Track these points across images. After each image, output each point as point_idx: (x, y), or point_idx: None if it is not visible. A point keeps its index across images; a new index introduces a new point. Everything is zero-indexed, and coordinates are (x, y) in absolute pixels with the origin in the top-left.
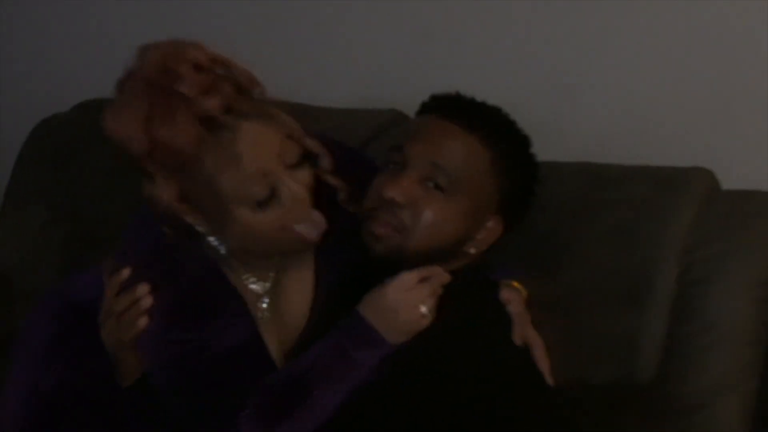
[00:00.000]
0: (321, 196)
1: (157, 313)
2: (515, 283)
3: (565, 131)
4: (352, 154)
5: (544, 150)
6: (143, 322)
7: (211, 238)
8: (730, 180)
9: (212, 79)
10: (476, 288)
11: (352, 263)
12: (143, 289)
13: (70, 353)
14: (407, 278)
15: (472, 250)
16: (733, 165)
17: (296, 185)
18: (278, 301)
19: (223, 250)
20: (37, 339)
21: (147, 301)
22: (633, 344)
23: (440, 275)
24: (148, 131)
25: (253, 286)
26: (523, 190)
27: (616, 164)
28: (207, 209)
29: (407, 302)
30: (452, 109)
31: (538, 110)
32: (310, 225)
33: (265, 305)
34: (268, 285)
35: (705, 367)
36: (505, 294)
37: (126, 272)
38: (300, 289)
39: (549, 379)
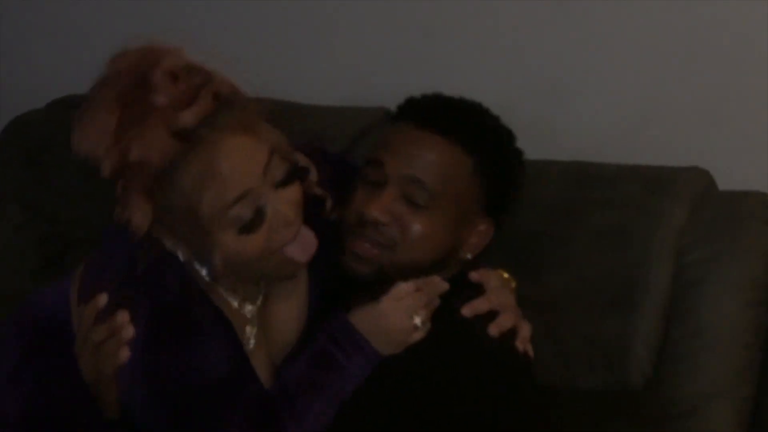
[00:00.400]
0: (306, 207)
1: (137, 341)
2: (504, 273)
3: (559, 130)
4: (337, 162)
5: (535, 149)
6: (125, 353)
7: (195, 263)
8: (727, 180)
9: (189, 88)
10: (468, 294)
11: (339, 275)
12: (123, 317)
13: (36, 376)
14: (403, 288)
15: (468, 256)
16: (731, 165)
17: (285, 205)
18: (269, 321)
19: (206, 274)
20: (2, 362)
21: (128, 331)
22: (624, 348)
23: (437, 285)
24: (118, 146)
25: (240, 309)
26: (510, 187)
27: (607, 163)
28: (186, 233)
29: (400, 312)
30: (429, 116)
31: (530, 108)
32: (300, 246)
33: (254, 328)
34: (256, 306)
35: (698, 372)
36: (474, 276)
37: (103, 299)
38: (291, 305)
39: (521, 343)
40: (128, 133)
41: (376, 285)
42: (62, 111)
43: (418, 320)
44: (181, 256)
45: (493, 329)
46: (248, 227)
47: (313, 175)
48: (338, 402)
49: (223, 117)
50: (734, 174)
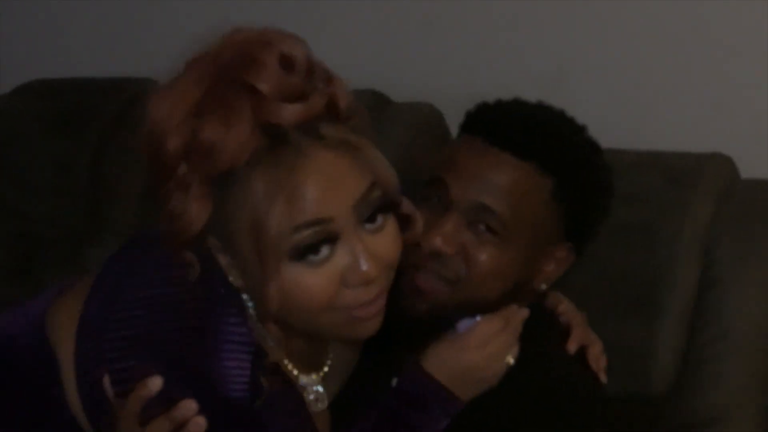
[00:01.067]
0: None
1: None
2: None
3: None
4: None
5: None
6: None
7: (245, 297)
8: (745, 167)
9: (301, 83)
10: (550, 325)
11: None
12: (190, 407)
13: None
14: (489, 329)
15: (543, 286)
16: (747, 150)
17: (369, 259)
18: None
19: (252, 308)
20: None
21: (199, 425)
22: (648, 352)
23: (520, 314)
24: (192, 122)
25: (301, 378)
26: (594, 210)
27: (624, 150)
28: (244, 249)
29: (491, 355)
30: (500, 131)
31: (531, 96)
32: (375, 315)
33: (318, 400)
34: (321, 375)
35: (722, 378)
36: (559, 308)
37: (157, 383)
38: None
39: (603, 377)
40: (210, 109)
41: (433, 323)
42: (31, 97)
43: (511, 359)
44: (232, 279)
45: (593, 363)
46: (304, 252)
47: (418, 227)
48: None
49: (326, 127)
50: (747, 158)
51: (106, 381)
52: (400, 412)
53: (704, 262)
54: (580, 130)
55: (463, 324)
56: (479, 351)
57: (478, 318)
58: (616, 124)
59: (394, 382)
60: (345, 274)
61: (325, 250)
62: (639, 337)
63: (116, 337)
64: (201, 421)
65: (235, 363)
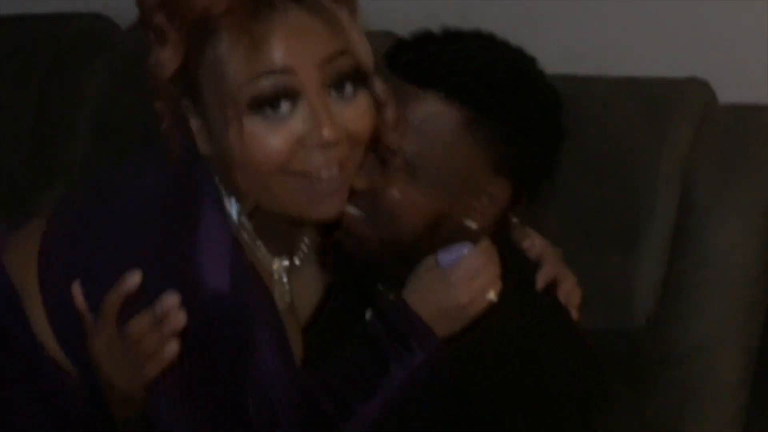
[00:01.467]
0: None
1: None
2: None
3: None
4: None
5: None
6: (173, 348)
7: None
8: (722, 92)
9: None
10: (511, 261)
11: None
12: (171, 300)
13: None
14: (474, 264)
15: (473, 225)
16: (724, 74)
17: (328, 122)
18: (294, 284)
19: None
20: None
21: (179, 319)
22: (624, 285)
23: (495, 250)
24: None
25: (269, 264)
26: (528, 141)
27: (598, 76)
28: (207, 102)
29: (476, 292)
30: (401, 63)
31: (498, 19)
32: (326, 193)
33: (286, 293)
34: (287, 263)
35: (702, 309)
36: (526, 243)
37: (135, 279)
38: (313, 269)
39: (575, 314)
40: None
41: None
42: None
43: (492, 295)
44: (200, 146)
45: (564, 299)
46: (262, 103)
47: (390, 116)
48: (403, 403)
49: None
50: (731, 85)
51: (77, 291)
52: (377, 342)
53: (682, 190)
54: (503, 56)
55: (446, 256)
56: (464, 287)
57: (465, 250)
58: (588, 49)
59: (368, 314)
60: (304, 135)
61: (284, 107)
62: (617, 268)
63: (88, 240)
64: (180, 317)
65: (214, 251)
